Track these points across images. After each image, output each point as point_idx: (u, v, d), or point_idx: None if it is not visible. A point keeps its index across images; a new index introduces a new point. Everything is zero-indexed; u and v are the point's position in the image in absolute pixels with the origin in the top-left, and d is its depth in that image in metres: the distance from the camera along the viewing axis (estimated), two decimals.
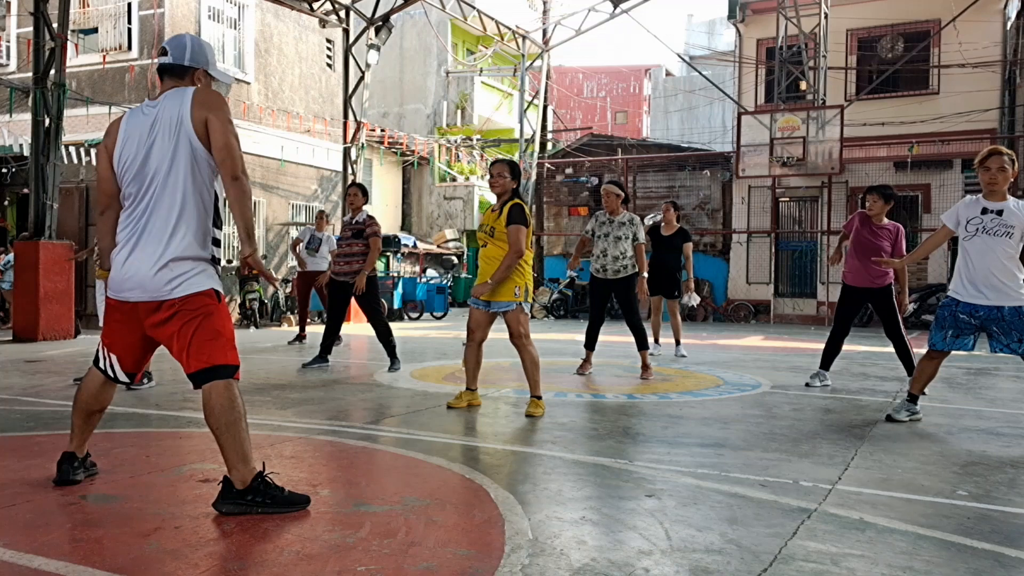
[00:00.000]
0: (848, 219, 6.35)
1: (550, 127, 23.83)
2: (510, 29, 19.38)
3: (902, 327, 6.10)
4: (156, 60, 3.03)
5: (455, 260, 23.46)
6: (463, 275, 20.13)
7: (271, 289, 15.26)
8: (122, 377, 3.04)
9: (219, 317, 2.85)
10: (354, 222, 7.31)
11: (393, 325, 7.81)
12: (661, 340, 9.23)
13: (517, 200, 4.98)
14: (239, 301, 13.86)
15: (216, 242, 2.93)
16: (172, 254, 2.79)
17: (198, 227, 2.84)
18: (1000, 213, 4.51)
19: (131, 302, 2.87)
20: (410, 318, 16.91)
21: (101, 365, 3.05)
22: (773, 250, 17.87)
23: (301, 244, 10.13)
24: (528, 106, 20.25)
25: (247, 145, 14.89)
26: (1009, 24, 16.77)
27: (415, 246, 21.84)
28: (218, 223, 2.93)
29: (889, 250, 6.03)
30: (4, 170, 14.94)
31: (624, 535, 2.65)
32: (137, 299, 2.85)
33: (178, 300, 2.80)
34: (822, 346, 6.47)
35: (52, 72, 10.34)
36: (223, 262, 14.13)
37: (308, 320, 10.56)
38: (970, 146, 15.70)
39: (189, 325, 2.80)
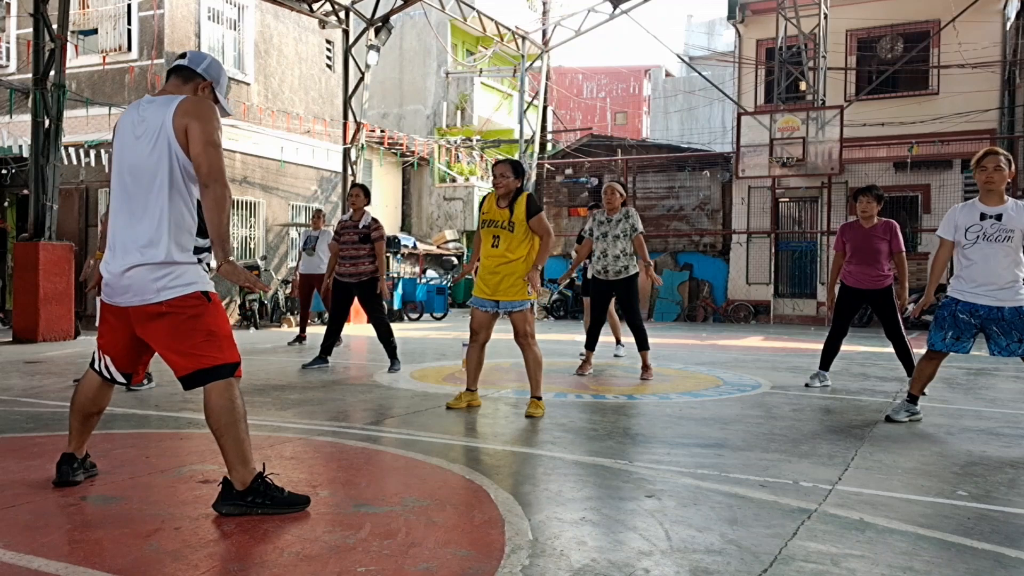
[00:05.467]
0: (838, 235, 6.34)
1: (550, 128, 23.85)
2: (510, 30, 19.38)
3: (902, 328, 6.10)
4: (176, 62, 3.03)
5: (455, 261, 23.45)
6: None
7: (271, 290, 15.26)
8: (119, 378, 3.04)
9: (211, 316, 2.83)
10: (360, 226, 7.28)
11: (393, 326, 7.80)
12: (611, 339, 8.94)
13: (526, 192, 4.97)
14: (239, 302, 13.85)
15: (201, 246, 2.90)
16: (152, 257, 2.78)
17: (178, 231, 2.82)
18: (999, 218, 4.48)
19: (121, 306, 2.88)
20: (410, 319, 16.91)
21: (97, 366, 3.05)
22: (773, 250, 17.88)
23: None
24: (528, 107, 20.25)
25: (247, 146, 14.91)
26: (1008, 24, 16.78)
27: (415, 247, 21.83)
28: (203, 228, 2.89)
29: (887, 250, 6.04)
30: (4, 171, 14.93)
31: (624, 536, 2.65)
32: (127, 303, 2.85)
33: (165, 303, 2.79)
34: (822, 346, 6.47)
35: (52, 73, 10.33)
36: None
37: (308, 321, 10.56)
38: (970, 146, 15.71)
39: (179, 328, 2.79)
